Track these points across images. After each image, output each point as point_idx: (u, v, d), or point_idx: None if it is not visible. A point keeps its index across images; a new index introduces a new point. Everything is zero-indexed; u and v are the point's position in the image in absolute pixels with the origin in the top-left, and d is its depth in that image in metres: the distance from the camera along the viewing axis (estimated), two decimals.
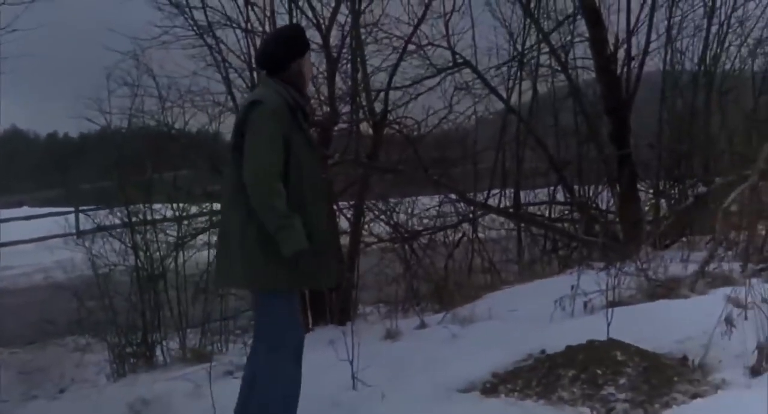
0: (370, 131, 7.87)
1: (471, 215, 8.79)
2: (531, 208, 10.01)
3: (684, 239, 7.81)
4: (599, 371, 4.09)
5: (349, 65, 8.20)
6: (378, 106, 8.06)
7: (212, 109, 8.27)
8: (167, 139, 8.27)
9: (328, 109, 8.13)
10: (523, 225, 9.29)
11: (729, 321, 4.15)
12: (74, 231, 8.96)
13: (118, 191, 7.67)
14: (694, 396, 3.80)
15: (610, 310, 4.56)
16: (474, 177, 9.73)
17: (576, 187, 9.68)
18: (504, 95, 9.74)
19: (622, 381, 3.99)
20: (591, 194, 9.74)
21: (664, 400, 3.83)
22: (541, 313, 5.59)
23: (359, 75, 7.91)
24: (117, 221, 7.85)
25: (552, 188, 9.75)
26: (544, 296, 5.84)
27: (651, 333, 4.66)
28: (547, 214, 9.82)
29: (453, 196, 8.55)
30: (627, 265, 6.04)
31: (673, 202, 8.89)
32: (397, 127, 8.32)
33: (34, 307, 8.73)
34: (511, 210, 9.29)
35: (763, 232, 5.73)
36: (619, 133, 9.04)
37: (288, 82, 3.88)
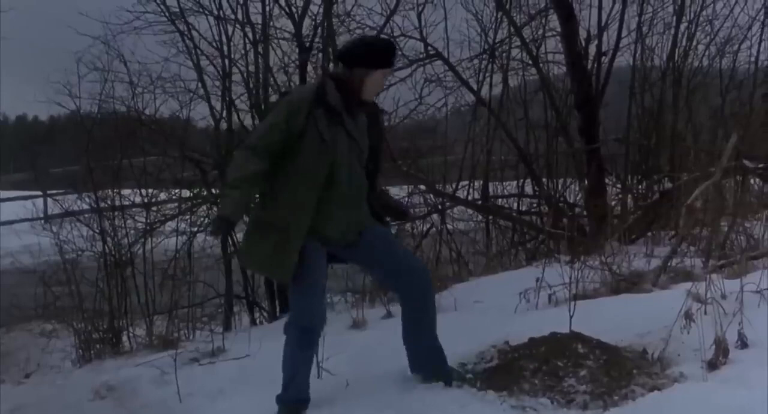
0: None
1: (440, 206, 8.82)
2: (500, 201, 10.07)
3: (649, 234, 7.91)
4: (560, 363, 4.16)
5: (320, 55, 8.20)
6: None
7: (183, 95, 8.24)
8: (137, 125, 8.21)
9: None
10: (491, 217, 9.34)
11: (688, 316, 4.22)
12: (42, 215, 8.86)
13: (86, 176, 7.61)
14: (653, 389, 3.88)
15: (573, 303, 4.64)
16: (444, 168, 9.76)
17: (545, 180, 9.76)
18: (475, 88, 9.78)
19: (582, 373, 4.07)
20: (559, 188, 9.83)
21: (623, 392, 3.91)
22: (506, 305, 5.65)
23: (330, 65, 7.91)
24: (85, 207, 7.80)
25: (521, 181, 9.82)
26: (509, 288, 5.90)
27: (613, 326, 4.74)
28: (515, 207, 9.87)
29: (422, 187, 8.58)
30: (592, 258, 6.13)
31: (639, 197, 8.98)
32: None
33: (1, 291, 8.66)
34: (479, 202, 9.36)
35: (726, 229, 5.83)
36: (589, 127, 9.13)
37: (346, 82, 3.91)
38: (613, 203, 9.07)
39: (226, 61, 8.12)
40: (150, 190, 8.21)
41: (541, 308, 5.59)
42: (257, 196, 4.10)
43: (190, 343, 6.26)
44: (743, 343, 4.15)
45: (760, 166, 6.78)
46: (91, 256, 7.42)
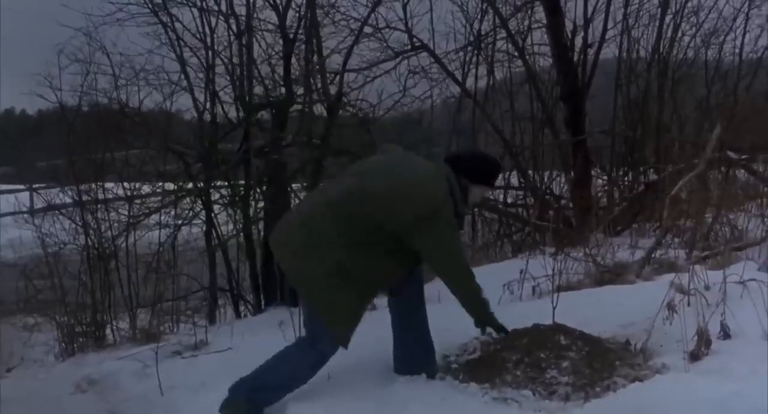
0: (324, 113, 7.83)
1: None
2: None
3: (635, 226, 7.91)
4: (543, 355, 4.14)
5: (304, 46, 8.14)
6: (333, 89, 8.02)
7: (166, 88, 8.16)
8: (120, 117, 8.13)
9: (284, 90, 8.09)
10: (476, 209, 9.31)
11: (671, 307, 4.22)
12: (24, 209, 8.77)
13: (69, 169, 7.54)
14: (635, 380, 3.87)
15: (556, 295, 4.63)
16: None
17: (531, 172, 9.75)
18: (460, 80, 9.75)
19: (564, 365, 4.05)
20: (545, 180, 9.82)
21: (605, 383, 3.89)
22: (490, 297, 5.60)
23: (314, 57, 7.87)
24: (68, 200, 7.72)
25: (507, 174, 9.81)
26: (494, 280, 5.85)
27: (596, 317, 4.74)
28: (502, 199, 9.85)
29: None
30: (576, 250, 6.12)
31: (625, 188, 8.99)
32: (351, 109, 8.28)
33: None
34: None
35: (710, 220, 5.82)
36: (575, 119, 9.14)
37: (461, 185, 4.11)
38: (598, 195, 9.08)
39: (210, 52, 8.05)
40: (133, 184, 8.13)
41: (525, 300, 5.59)
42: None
43: (173, 336, 6.22)
44: (725, 334, 4.14)
45: (744, 157, 6.78)
46: (74, 249, 7.34)
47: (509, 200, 9.96)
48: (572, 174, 9.19)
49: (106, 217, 7.77)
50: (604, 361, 4.06)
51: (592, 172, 9.24)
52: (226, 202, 8.31)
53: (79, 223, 7.35)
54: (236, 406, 4.10)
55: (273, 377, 4.13)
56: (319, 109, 7.90)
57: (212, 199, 8.07)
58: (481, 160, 4.45)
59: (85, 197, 7.63)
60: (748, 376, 3.50)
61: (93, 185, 7.77)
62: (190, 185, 7.97)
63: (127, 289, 7.59)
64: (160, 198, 8.16)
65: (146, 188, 8.30)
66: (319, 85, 7.92)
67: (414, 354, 4.35)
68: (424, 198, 3.97)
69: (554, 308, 4.61)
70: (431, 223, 3.95)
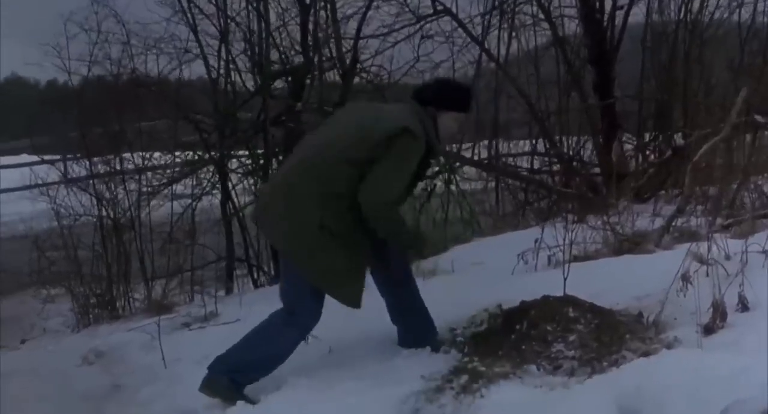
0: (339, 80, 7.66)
1: (447, 166, 8.59)
2: (510, 160, 9.84)
3: (662, 192, 7.67)
4: (550, 328, 3.98)
5: (321, 12, 7.96)
6: (349, 57, 7.85)
7: (181, 55, 8.02)
8: (136, 86, 8.03)
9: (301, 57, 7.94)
10: (501, 178, 9.11)
11: (685, 278, 4.02)
12: (37, 183, 8.66)
13: (81, 141, 7.47)
14: (645, 354, 3.69)
15: (567, 265, 4.46)
16: None
17: (557, 138, 9.50)
18: (484, 45, 9.49)
19: (572, 338, 3.89)
20: (572, 145, 9.57)
21: (613, 358, 3.72)
22: (505, 267, 5.49)
23: (330, 22, 7.70)
24: (84, 172, 7.67)
25: (533, 140, 9.58)
26: (512, 249, 5.71)
27: (610, 288, 4.56)
28: (526, 166, 9.63)
29: None
30: (597, 218, 5.93)
31: (652, 154, 8.72)
32: (366, 76, 8.10)
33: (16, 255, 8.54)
34: (486, 161, 9.12)
35: (735, 187, 5.58)
36: (603, 82, 8.89)
37: (431, 117, 3.92)
38: (627, 160, 8.81)
39: (225, 19, 7.91)
40: (151, 153, 8.06)
41: (540, 270, 5.41)
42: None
43: (185, 308, 6.16)
44: (744, 306, 3.94)
45: None
46: (89, 220, 7.29)
47: (534, 167, 9.70)
48: (600, 139, 8.93)
49: (125, 188, 7.72)
50: (613, 335, 3.88)
51: (621, 138, 8.97)
52: (245, 171, 8.22)
53: (93, 194, 7.25)
54: (216, 385, 3.99)
55: (254, 356, 3.98)
56: (334, 77, 7.71)
57: (230, 168, 7.95)
58: (445, 84, 4.33)
59: (102, 169, 7.57)
60: (761, 350, 3.30)
61: (110, 157, 7.71)
62: (207, 155, 7.83)
63: (143, 260, 7.55)
64: (176, 169, 8.04)
65: (162, 159, 8.18)
66: (335, 53, 7.74)
67: (412, 328, 4.23)
68: (392, 121, 3.81)
69: (565, 279, 4.44)
70: (392, 146, 3.75)
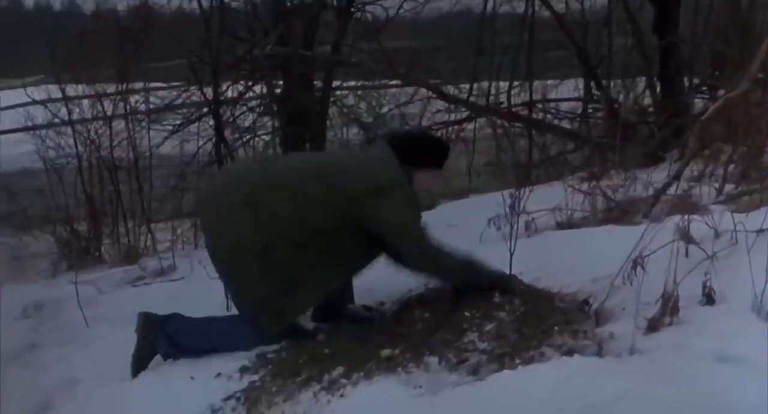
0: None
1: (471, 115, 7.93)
2: (547, 105, 9.05)
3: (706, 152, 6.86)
4: (468, 314, 3.43)
5: None
6: None
7: None
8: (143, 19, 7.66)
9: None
10: (529, 126, 8.38)
11: (637, 263, 3.38)
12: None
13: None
14: (569, 352, 3.11)
15: (513, 240, 3.89)
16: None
17: (604, 82, 8.70)
18: None
19: (488, 327, 3.33)
20: (620, 90, 8.74)
21: (529, 354, 3.11)
22: (479, 231, 4.93)
23: None
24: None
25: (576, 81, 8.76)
26: (497, 210, 5.13)
27: (570, 266, 3.97)
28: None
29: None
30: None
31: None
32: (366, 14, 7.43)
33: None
34: (505, 108, 8.36)
35: (749, 151, 4.81)
36: (663, 22, 8.07)
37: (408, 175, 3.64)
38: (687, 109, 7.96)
39: None
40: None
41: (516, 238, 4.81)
42: None
43: (147, 260, 5.83)
44: (709, 299, 3.27)
45: None
46: (74, 160, 7.01)
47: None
48: (657, 84, 8.11)
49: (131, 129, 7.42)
50: (537, 326, 3.29)
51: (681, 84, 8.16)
52: (258, 112, 7.81)
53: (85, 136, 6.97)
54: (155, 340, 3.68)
55: (204, 345, 3.64)
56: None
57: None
58: (423, 140, 4.10)
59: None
60: (684, 371, 2.68)
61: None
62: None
63: (143, 204, 7.27)
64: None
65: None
66: None
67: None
68: (373, 173, 3.57)
69: (511, 255, 3.87)
70: (386, 194, 3.50)
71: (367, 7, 7.51)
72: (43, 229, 6.83)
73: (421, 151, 3.76)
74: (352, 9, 7.26)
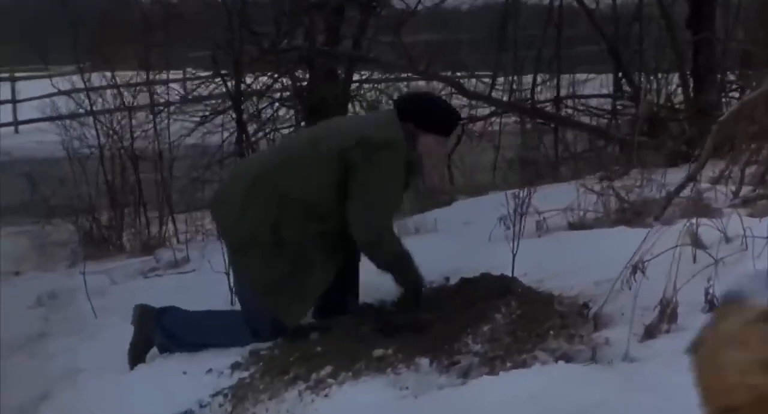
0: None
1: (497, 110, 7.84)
2: (576, 101, 8.92)
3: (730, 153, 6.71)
4: (464, 314, 3.40)
5: None
6: None
7: None
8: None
9: None
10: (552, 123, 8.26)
11: (637, 268, 3.32)
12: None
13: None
14: (564, 356, 3.07)
15: (516, 241, 3.85)
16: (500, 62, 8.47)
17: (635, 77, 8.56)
18: None
19: (484, 329, 3.29)
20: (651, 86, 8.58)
21: (522, 358, 3.08)
22: (483, 230, 4.87)
23: None
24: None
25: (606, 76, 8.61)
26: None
27: (577, 267, 3.91)
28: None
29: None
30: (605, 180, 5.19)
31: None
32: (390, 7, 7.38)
33: None
34: (530, 104, 8.24)
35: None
36: (698, 17, 7.91)
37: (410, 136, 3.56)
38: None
39: None
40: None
41: (526, 237, 4.74)
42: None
43: (163, 251, 5.86)
44: (711, 305, 3.19)
45: None
46: (97, 151, 7.07)
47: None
48: (690, 79, 7.97)
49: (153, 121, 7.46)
50: (533, 330, 3.25)
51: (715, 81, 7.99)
52: (281, 103, 7.80)
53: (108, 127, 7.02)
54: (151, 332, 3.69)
55: (199, 339, 3.65)
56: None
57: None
58: (432, 101, 3.96)
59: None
60: (675, 375, 2.62)
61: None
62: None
63: (168, 194, 7.31)
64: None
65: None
66: None
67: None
68: (367, 129, 3.51)
69: (514, 256, 3.83)
70: (374, 150, 3.41)
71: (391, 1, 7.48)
72: (65, 218, 6.88)
73: (429, 114, 3.67)
74: (374, 3, 7.18)
